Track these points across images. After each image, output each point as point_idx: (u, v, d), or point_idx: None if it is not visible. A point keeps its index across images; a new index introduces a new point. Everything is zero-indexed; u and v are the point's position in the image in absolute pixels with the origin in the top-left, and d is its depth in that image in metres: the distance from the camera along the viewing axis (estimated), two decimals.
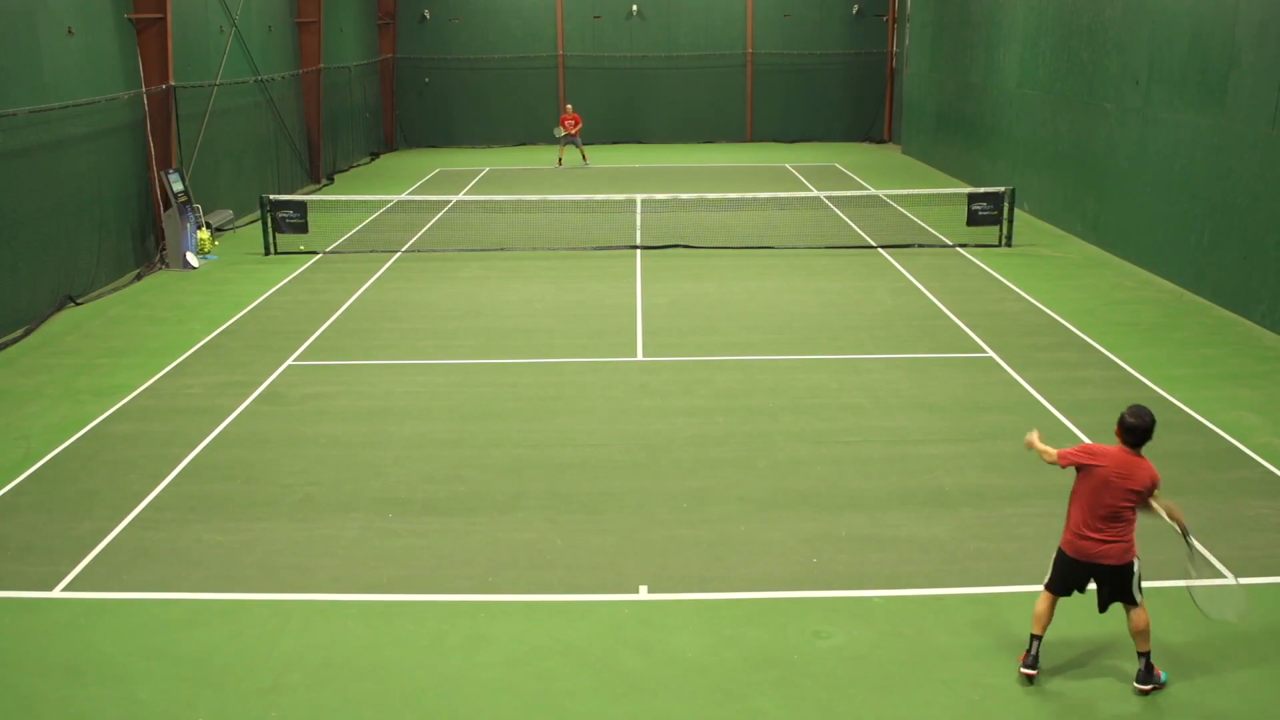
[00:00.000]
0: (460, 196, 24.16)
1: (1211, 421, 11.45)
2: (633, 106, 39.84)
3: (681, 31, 39.39)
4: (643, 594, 8.23)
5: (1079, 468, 6.89)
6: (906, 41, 36.12)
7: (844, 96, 39.88)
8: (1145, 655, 6.97)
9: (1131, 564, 6.89)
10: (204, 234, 20.46)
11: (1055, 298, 16.63)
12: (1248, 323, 15.14)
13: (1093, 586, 7.03)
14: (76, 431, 11.62)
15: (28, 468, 10.69)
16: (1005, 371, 13.17)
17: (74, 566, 8.71)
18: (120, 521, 9.48)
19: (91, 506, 9.79)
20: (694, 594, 8.22)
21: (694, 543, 9.00)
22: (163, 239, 19.71)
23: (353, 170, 33.64)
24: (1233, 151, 15.67)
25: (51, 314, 16.28)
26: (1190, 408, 11.86)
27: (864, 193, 25.85)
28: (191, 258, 19.60)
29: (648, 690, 7.05)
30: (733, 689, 7.04)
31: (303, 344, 14.72)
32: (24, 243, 15.80)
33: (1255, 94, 15.09)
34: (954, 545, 8.89)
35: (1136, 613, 6.95)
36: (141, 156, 19.63)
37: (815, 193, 25.38)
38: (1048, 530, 9.09)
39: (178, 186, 19.55)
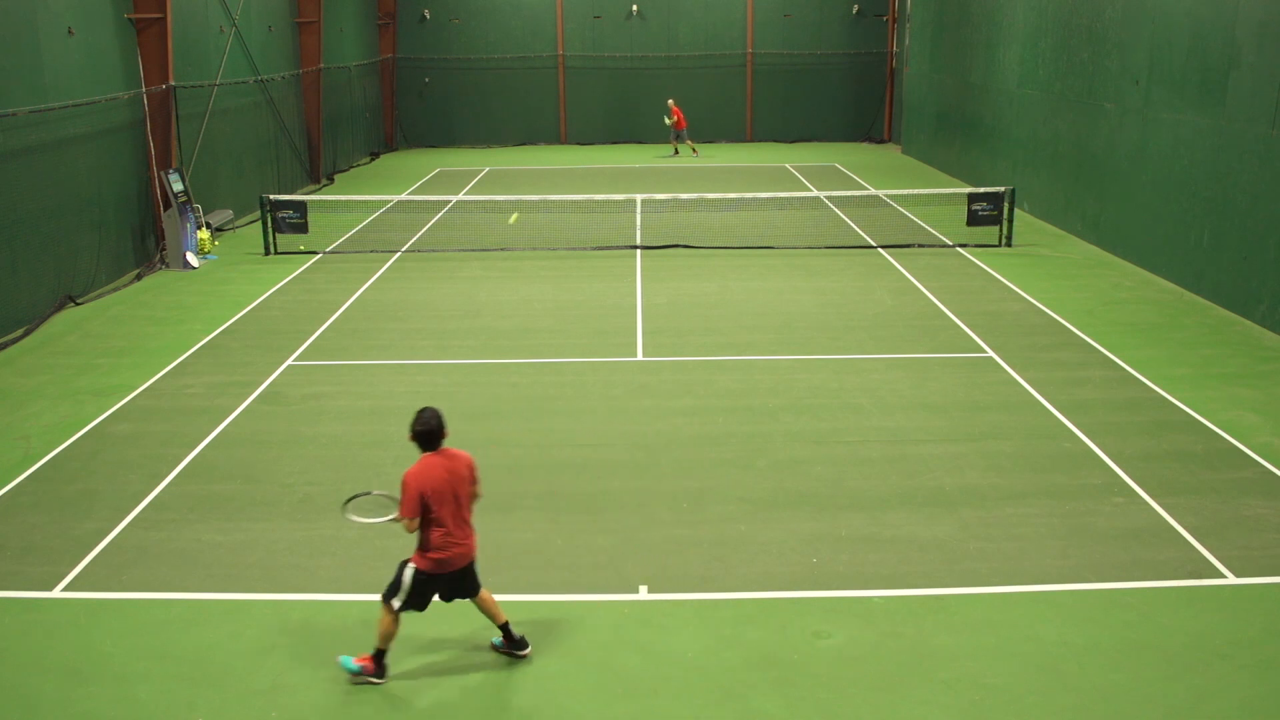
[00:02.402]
0: (460, 196, 24.17)
1: (1211, 421, 11.45)
2: (633, 106, 39.83)
3: (681, 31, 39.40)
4: (643, 594, 8.23)
5: (424, 504, 6.85)
6: (906, 41, 36.12)
7: (844, 96, 39.89)
8: (506, 625, 7.29)
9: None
10: (204, 234, 20.46)
11: (1055, 298, 16.63)
12: (1248, 323, 15.14)
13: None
14: (76, 431, 11.62)
15: (28, 468, 10.69)
16: (1005, 371, 13.17)
17: (74, 566, 8.71)
18: (120, 521, 9.48)
19: (91, 506, 9.79)
20: (694, 594, 8.22)
21: (694, 543, 9.00)
22: (163, 239, 19.72)
23: (353, 170, 33.64)
24: (1233, 151, 15.67)
25: (51, 314, 16.28)
26: (1190, 408, 11.86)
27: (864, 193, 25.86)
28: (191, 258, 19.60)
29: (648, 690, 7.05)
30: (733, 689, 7.04)
31: (303, 344, 14.72)
32: (24, 243, 15.81)
33: (1255, 94, 15.09)
34: (954, 545, 8.89)
35: (484, 592, 7.29)
36: (141, 156, 19.64)
37: (815, 193, 25.38)
38: (1048, 530, 9.10)
39: (178, 186, 19.55)
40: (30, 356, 14.42)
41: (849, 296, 16.86)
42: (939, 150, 31.66)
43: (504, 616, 7.33)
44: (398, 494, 6.99)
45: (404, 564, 7.07)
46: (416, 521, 6.89)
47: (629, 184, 28.53)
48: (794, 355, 13.92)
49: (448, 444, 7.07)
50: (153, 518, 9.57)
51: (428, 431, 6.92)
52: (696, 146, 36.16)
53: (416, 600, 7.07)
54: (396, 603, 7.03)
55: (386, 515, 7.23)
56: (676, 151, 35.88)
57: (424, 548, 6.97)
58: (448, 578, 7.09)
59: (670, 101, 35.91)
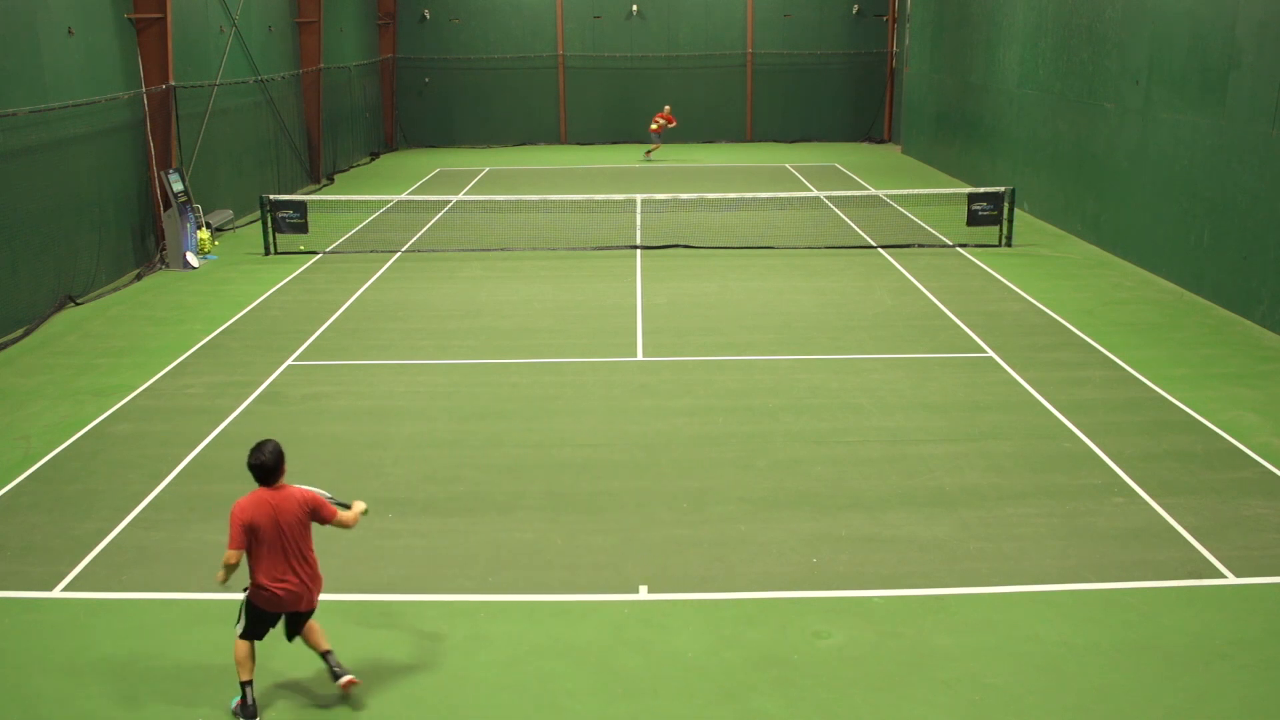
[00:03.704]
0: (460, 196, 24.17)
1: (1211, 421, 11.45)
2: (633, 106, 39.83)
3: (681, 31, 39.40)
4: (643, 594, 8.23)
5: (249, 534, 6.60)
6: (906, 41, 36.12)
7: (844, 96, 39.89)
8: (328, 653, 6.98)
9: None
10: (204, 234, 20.46)
11: (1055, 298, 16.63)
12: (1248, 323, 15.14)
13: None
14: (76, 431, 11.62)
15: (28, 468, 10.69)
16: (1005, 371, 13.17)
17: (74, 566, 8.71)
18: (120, 521, 9.48)
19: (91, 506, 9.79)
20: (694, 594, 8.22)
21: (694, 543, 9.00)
22: (163, 239, 19.71)
23: (353, 170, 33.64)
24: (1233, 151, 15.67)
25: (51, 314, 16.28)
26: (1190, 408, 11.86)
27: (864, 193, 25.86)
28: (191, 258, 19.60)
29: (648, 690, 7.05)
30: (733, 689, 7.04)
31: (303, 344, 14.72)
32: (24, 243, 15.81)
33: (1255, 94, 15.09)
34: (954, 545, 8.89)
35: (313, 624, 7.00)
36: (141, 156, 19.64)
37: (815, 193, 25.38)
38: (1048, 530, 9.10)
39: (178, 186, 19.55)
40: (30, 356, 14.42)
41: (849, 296, 16.86)
42: (939, 150, 31.66)
43: (328, 644, 7.04)
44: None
45: (246, 589, 6.88)
46: (238, 554, 6.58)
47: (629, 184, 28.53)
48: (794, 355, 13.92)
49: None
50: (153, 518, 9.57)
51: (258, 465, 6.64)
52: (652, 150, 35.14)
53: (254, 630, 6.84)
54: (238, 628, 6.85)
55: None
56: (649, 154, 35.09)
57: (253, 581, 6.73)
58: (283, 616, 6.85)
59: (667, 108, 35.23)
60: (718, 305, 16.42)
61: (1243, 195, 15.41)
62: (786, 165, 33.18)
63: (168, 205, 19.50)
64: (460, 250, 20.73)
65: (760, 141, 39.93)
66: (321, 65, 30.03)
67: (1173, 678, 7.08)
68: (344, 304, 16.82)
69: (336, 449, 11.04)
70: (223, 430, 11.60)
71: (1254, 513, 9.38)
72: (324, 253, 20.58)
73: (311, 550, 6.82)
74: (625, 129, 40.04)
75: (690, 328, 15.20)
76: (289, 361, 13.97)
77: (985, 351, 13.97)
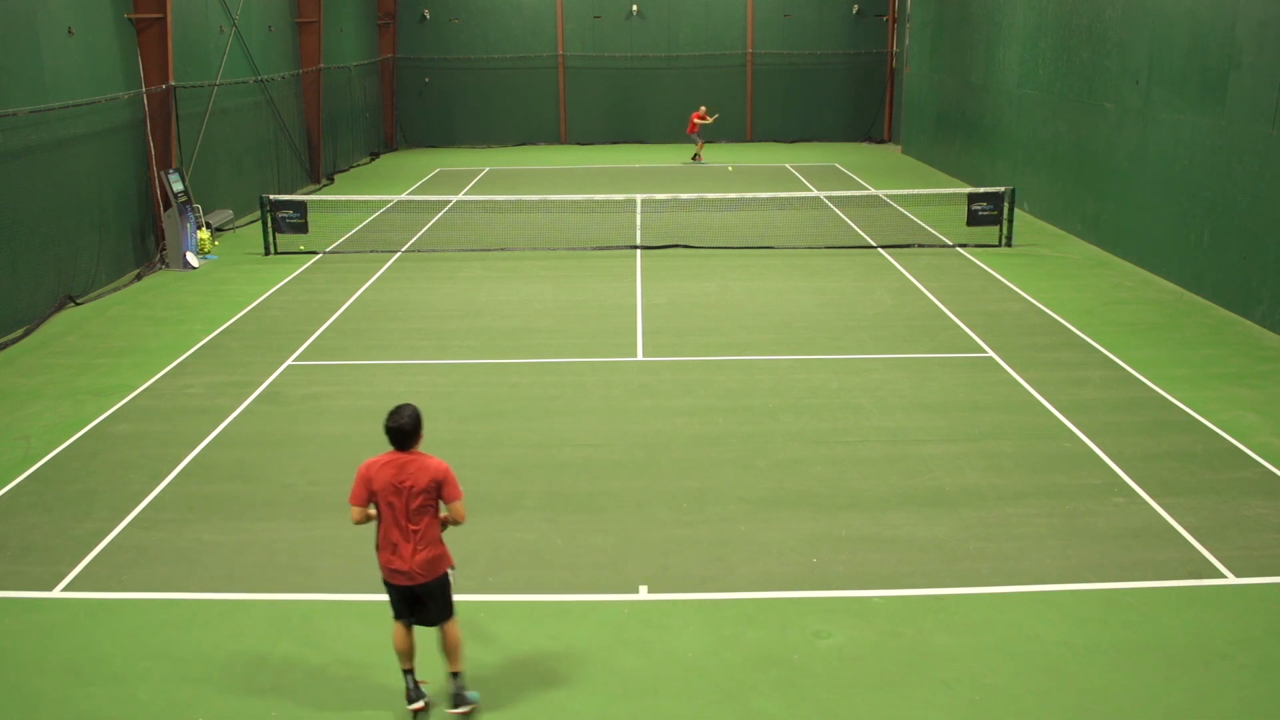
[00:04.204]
0: (460, 196, 24.17)
1: (1211, 421, 11.45)
2: (632, 106, 39.84)
3: (681, 31, 39.40)
4: (643, 594, 8.23)
5: (369, 492, 6.51)
6: (906, 41, 36.12)
7: (844, 96, 39.89)
8: (454, 675, 6.78)
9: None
10: (204, 234, 20.46)
11: (1055, 298, 16.63)
12: (1248, 323, 15.14)
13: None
14: (76, 431, 11.62)
15: (28, 468, 10.69)
16: (1005, 371, 13.17)
17: (74, 566, 8.71)
18: (120, 521, 9.48)
19: (91, 506, 9.79)
20: (694, 594, 8.22)
21: (694, 543, 9.00)
22: (163, 239, 19.72)
23: (353, 170, 33.64)
24: (1233, 151, 15.67)
25: (51, 314, 16.28)
26: (1190, 408, 11.86)
27: (864, 193, 25.86)
28: (191, 258, 19.60)
29: (648, 690, 7.05)
30: (733, 689, 7.04)
31: (303, 344, 14.72)
32: (24, 243, 15.81)
33: (1255, 94, 15.09)
34: (954, 545, 8.89)
35: (450, 635, 6.77)
36: (141, 156, 19.64)
37: (815, 193, 25.38)
38: (1048, 530, 9.10)
39: (178, 186, 19.56)
40: (30, 356, 14.42)
41: (849, 296, 16.86)
42: (939, 150, 31.66)
43: (458, 665, 6.85)
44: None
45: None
46: (359, 510, 6.54)
47: (629, 184, 28.53)
48: (794, 355, 13.92)
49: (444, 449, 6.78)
50: (153, 518, 9.57)
51: (396, 429, 6.45)
52: (698, 151, 34.53)
53: (393, 608, 6.81)
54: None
55: None
56: (696, 156, 34.20)
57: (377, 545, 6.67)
58: (395, 589, 6.70)
59: (702, 108, 34.49)
60: (718, 305, 16.42)
61: (1243, 195, 15.41)
62: (786, 165, 33.18)
63: (168, 205, 19.50)
64: (460, 250, 20.73)
65: (760, 141, 39.93)
66: (321, 65, 30.03)
67: (1173, 678, 7.08)
68: (344, 304, 16.82)
69: (336, 449, 11.04)
70: (223, 430, 11.60)
71: (1254, 513, 9.38)
72: (324, 253, 20.58)
73: (433, 527, 6.55)
74: (625, 129, 40.04)
75: (690, 328, 15.20)
76: (289, 361, 13.97)
77: (985, 351, 13.97)
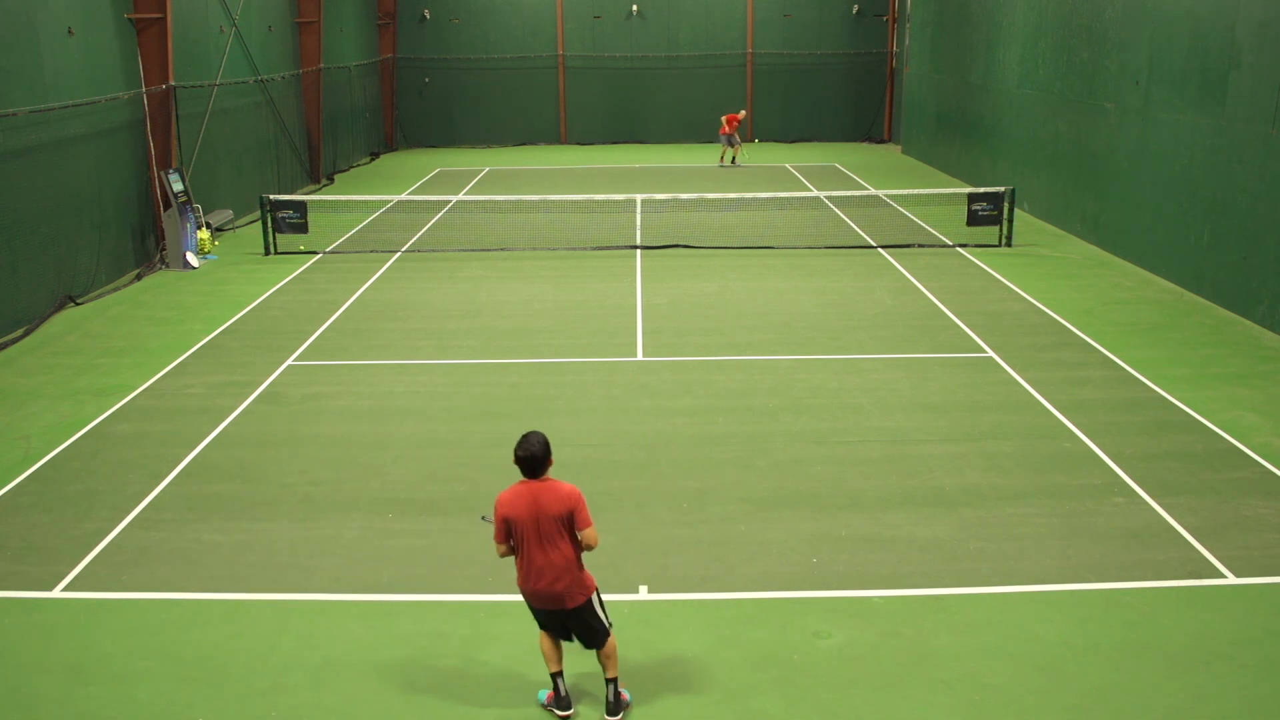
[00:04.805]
0: (460, 196, 24.17)
1: (1211, 421, 11.45)
2: (633, 106, 39.85)
3: (681, 31, 39.41)
4: (643, 594, 8.23)
5: (509, 526, 6.49)
6: (906, 41, 36.12)
7: (844, 96, 39.89)
8: (611, 681, 6.75)
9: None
10: (204, 234, 20.46)
11: (1055, 298, 16.63)
12: (1248, 323, 15.14)
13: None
14: (76, 431, 11.62)
15: (28, 468, 10.69)
16: (1005, 371, 13.17)
17: (74, 566, 8.71)
18: (120, 521, 9.48)
19: (91, 506, 9.79)
20: (694, 594, 8.22)
21: (694, 543, 9.00)
22: (163, 239, 19.72)
23: (353, 170, 33.64)
24: (1233, 151, 15.67)
25: (51, 314, 16.28)
26: (1190, 408, 11.86)
27: (864, 193, 25.86)
28: (191, 258, 19.60)
29: (648, 690, 7.05)
30: (733, 689, 7.04)
31: (303, 344, 14.72)
32: (24, 243, 15.81)
33: (1255, 94, 15.09)
34: (954, 545, 8.89)
35: (609, 646, 6.75)
36: (141, 156, 19.64)
37: (815, 193, 25.38)
38: (1048, 530, 9.10)
39: (178, 186, 19.56)
40: (30, 356, 14.41)
41: (849, 296, 16.86)
42: (939, 150, 31.67)
43: (614, 671, 6.78)
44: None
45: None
46: (503, 547, 6.54)
47: (629, 184, 28.53)
48: (794, 355, 13.92)
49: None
50: (153, 518, 9.57)
51: (527, 457, 6.42)
52: (735, 154, 33.52)
53: (539, 621, 6.77)
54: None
55: None
56: (734, 160, 33.37)
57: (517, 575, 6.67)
58: (540, 612, 6.69)
59: (742, 113, 33.87)
60: (718, 305, 16.42)
61: (1243, 195, 15.41)
62: (786, 165, 33.18)
63: (168, 205, 19.50)
64: (460, 250, 20.73)
65: (760, 141, 39.92)
66: (321, 65, 30.04)
67: (1173, 678, 7.08)
68: (344, 304, 16.82)
69: (336, 449, 11.04)
70: (223, 430, 11.60)
71: (1254, 513, 9.38)
72: (324, 253, 20.58)
73: (572, 549, 6.50)
74: (625, 129, 40.04)
75: (690, 328, 15.20)
76: (289, 361, 13.97)
77: (985, 351, 13.97)
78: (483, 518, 6.89)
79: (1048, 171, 22.95)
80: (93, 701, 6.99)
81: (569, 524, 6.45)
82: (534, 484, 6.46)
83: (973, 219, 20.75)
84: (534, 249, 20.73)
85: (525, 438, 6.46)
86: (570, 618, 6.64)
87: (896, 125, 38.54)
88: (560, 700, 6.78)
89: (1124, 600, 8.00)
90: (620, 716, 6.74)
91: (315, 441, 11.26)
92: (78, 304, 16.98)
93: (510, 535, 6.50)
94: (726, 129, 33.00)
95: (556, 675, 6.81)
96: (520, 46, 39.42)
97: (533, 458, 6.41)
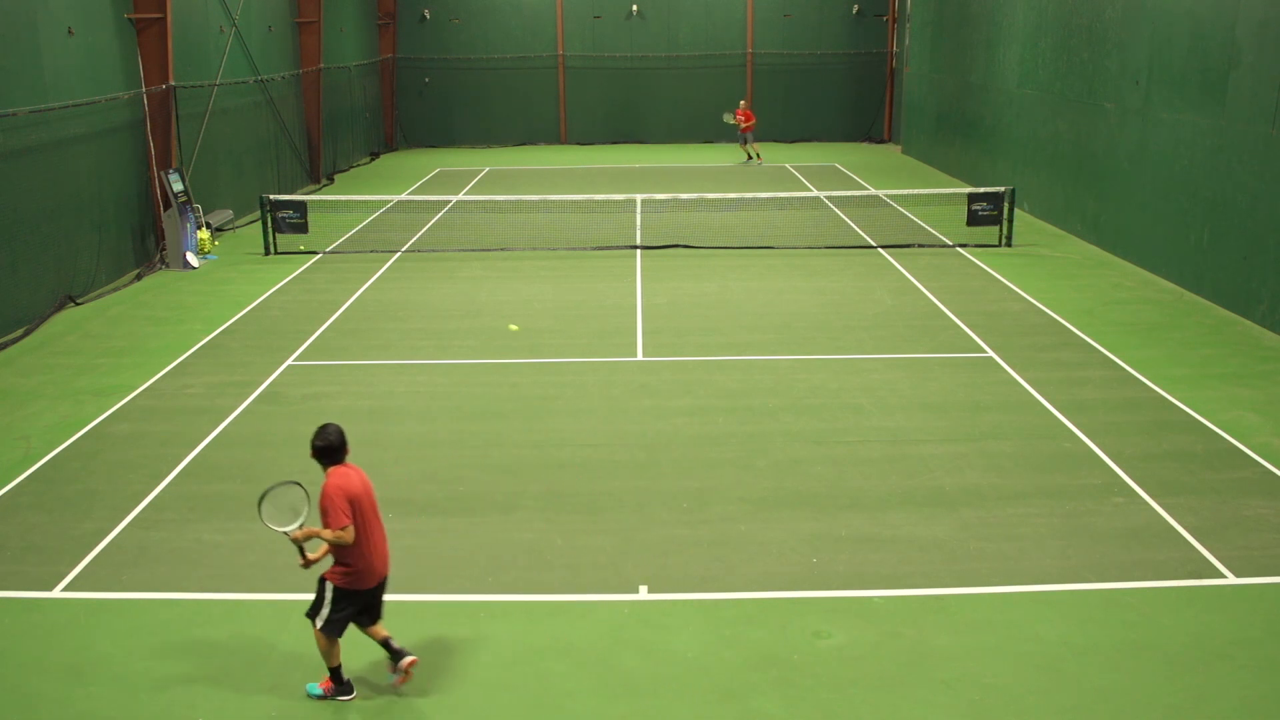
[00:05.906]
0: (460, 196, 24.16)
1: (1211, 421, 11.45)
2: (633, 106, 39.83)
3: (681, 31, 39.40)
4: (643, 594, 8.23)
5: (355, 506, 6.71)
6: (906, 41, 36.12)
7: (844, 96, 39.88)
8: (386, 641, 7.07)
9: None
10: (204, 234, 20.46)
11: (1055, 298, 16.63)
12: (1248, 323, 15.14)
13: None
14: (76, 431, 11.62)
15: (28, 468, 10.69)
16: (1005, 371, 13.17)
17: (74, 566, 8.71)
18: (120, 521, 9.48)
19: (91, 506, 9.79)
20: (694, 594, 8.22)
21: (694, 543, 9.00)
22: (163, 239, 19.71)
23: (353, 170, 33.64)
24: (1233, 151, 15.67)
25: (51, 314, 16.28)
26: (1190, 408, 11.86)
27: (864, 193, 25.86)
28: (191, 258, 19.60)
29: (648, 690, 7.05)
30: (733, 689, 7.04)
31: (303, 344, 14.72)
32: (24, 243, 15.80)
33: (1255, 94, 15.09)
34: (954, 545, 8.89)
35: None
36: (141, 156, 19.63)
37: (815, 193, 25.38)
38: (1048, 530, 9.10)
39: (178, 186, 19.55)
40: (30, 356, 14.41)
41: (849, 296, 16.86)
42: (939, 150, 31.66)
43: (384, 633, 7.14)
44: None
45: (322, 580, 6.83)
46: (353, 528, 6.65)
47: (629, 184, 28.53)
48: (794, 355, 13.92)
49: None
50: (153, 518, 9.57)
51: (325, 447, 6.78)
52: (758, 152, 33.74)
53: (338, 623, 6.84)
54: (318, 621, 6.83)
55: (289, 525, 6.80)
56: (750, 157, 33.55)
57: (350, 561, 6.74)
58: (366, 593, 6.88)
59: (742, 103, 34.20)
60: (718, 305, 16.42)
61: (1243, 195, 15.41)
62: (786, 165, 33.17)
63: (168, 205, 19.50)
64: (460, 250, 20.73)
65: (760, 141, 39.87)
66: (321, 65, 30.03)
67: (1173, 678, 7.08)
68: (344, 304, 16.82)
69: None
70: (223, 430, 11.60)
71: (1254, 513, 9.38)
72: (324, 253, 20.58)
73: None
74: (625, 129, 40.03)
75: (690, 328, 15.20)
76: (289, 361, 13.97)
77: (985, 351, 13.97)
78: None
79: (1048, 171, 22.95)
80: (93, 701, 6.99)
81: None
82: (349, 467, 6.91)
83: (973, 219, 20.75)
84: (534, 249, 20.73)
85: (322, 429, 6.87)
86: (379, 589, 6.99)
87: (896, 125, 38.54)
88: (345, 686, 7.00)
89: (1124, 600, 8.00)
90: (409, 660, 7.03)
91: None
92: (78, 304, 16.98)
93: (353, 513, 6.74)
94: (745, 126, 33.17)
95: (340, 667, 6.99)
96: (520, 46, 39.41)
97: (330, 446, 6.84)
